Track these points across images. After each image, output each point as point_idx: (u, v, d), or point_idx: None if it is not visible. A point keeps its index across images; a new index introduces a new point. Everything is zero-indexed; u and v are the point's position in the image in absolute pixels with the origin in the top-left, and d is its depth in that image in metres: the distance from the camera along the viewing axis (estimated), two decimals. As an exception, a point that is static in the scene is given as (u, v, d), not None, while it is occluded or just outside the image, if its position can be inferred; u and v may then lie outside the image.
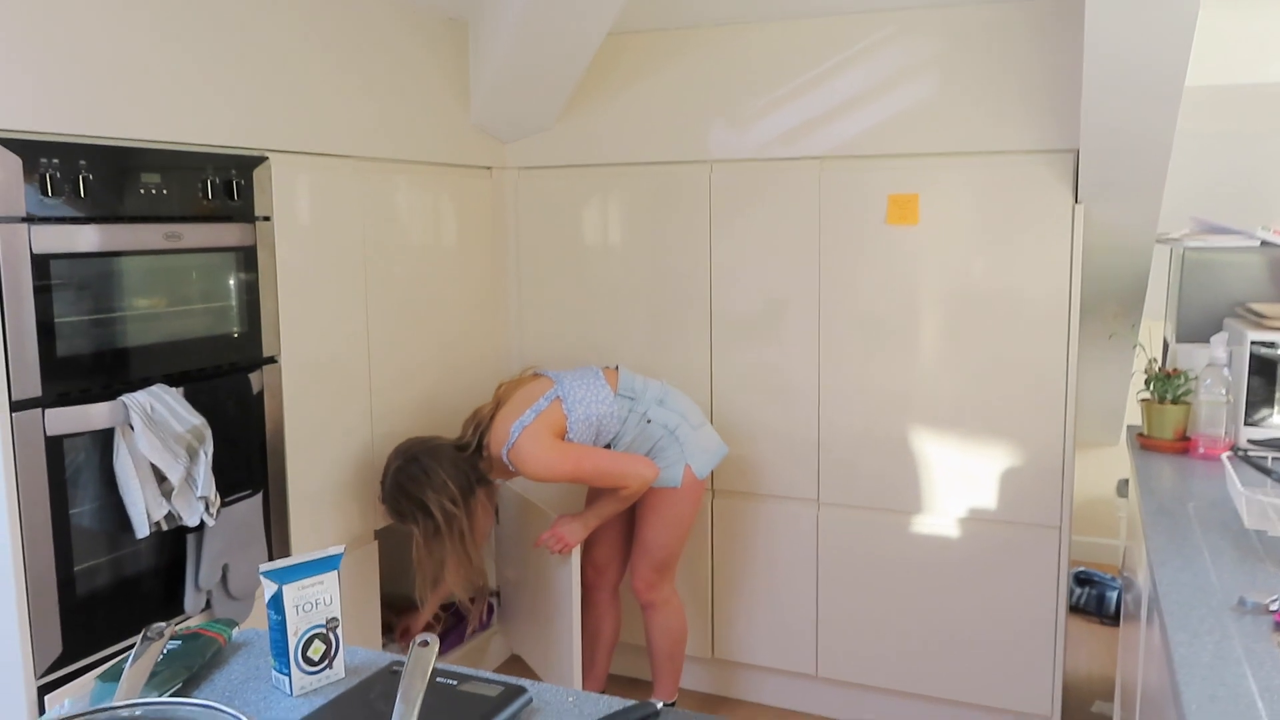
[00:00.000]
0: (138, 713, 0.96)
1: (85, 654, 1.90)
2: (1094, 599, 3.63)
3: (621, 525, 2.79)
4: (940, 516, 2.77)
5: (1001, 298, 2.64)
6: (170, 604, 2.09)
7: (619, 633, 2.90)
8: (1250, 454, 2.00)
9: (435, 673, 1.19)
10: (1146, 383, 2.38)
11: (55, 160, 1.79)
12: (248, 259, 2.22)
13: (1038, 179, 2.57)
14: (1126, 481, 3.66)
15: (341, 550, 1.27)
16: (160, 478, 1.95)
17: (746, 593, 3.01)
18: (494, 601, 3.16)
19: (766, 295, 2.88)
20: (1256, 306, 2.34)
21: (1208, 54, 3.16)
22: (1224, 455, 1.86)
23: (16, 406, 1.75)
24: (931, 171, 2.67)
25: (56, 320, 1.81)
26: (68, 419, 1.83)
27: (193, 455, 2.00)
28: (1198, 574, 1.52)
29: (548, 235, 3.14)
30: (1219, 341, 2.21)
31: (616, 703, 1.16)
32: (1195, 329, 2.51)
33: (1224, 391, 2.18)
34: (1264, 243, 2.49)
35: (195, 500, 2.00)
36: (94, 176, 1.87)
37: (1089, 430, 3.90)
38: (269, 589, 1.20)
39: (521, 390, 2.59)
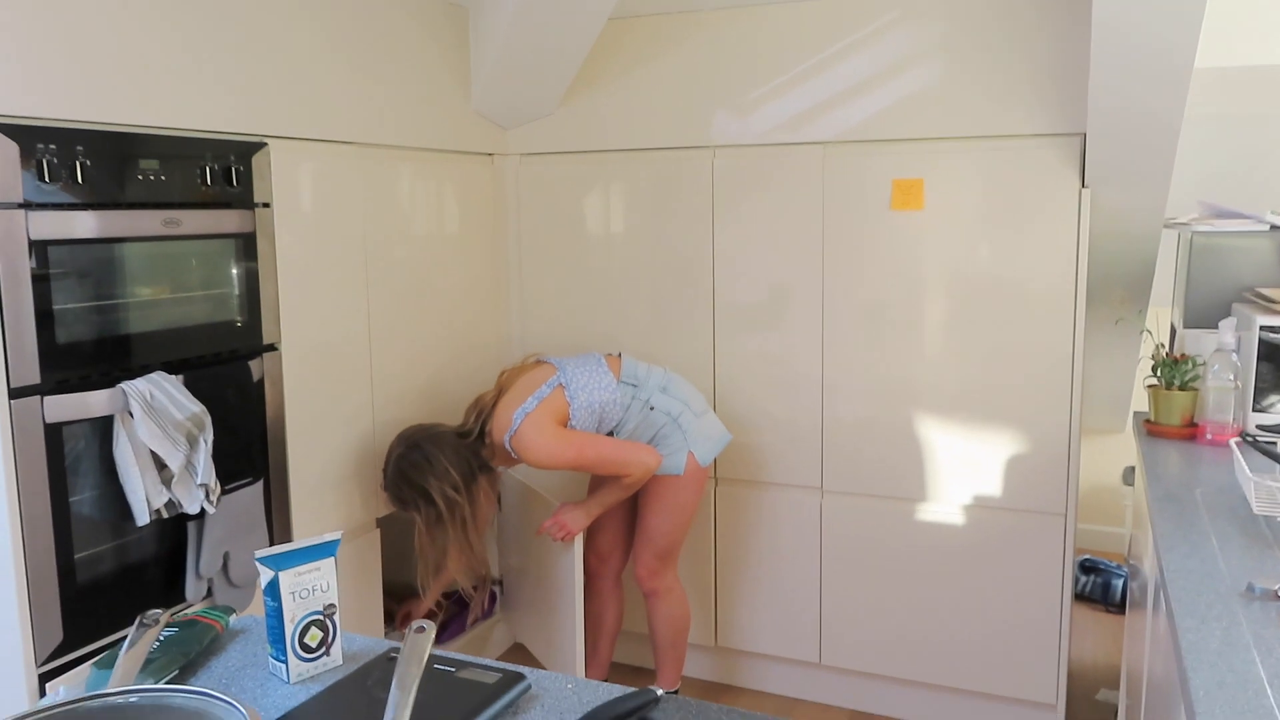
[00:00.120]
0: (132, 699, 0.94)
1: (86, 642, 1.90)
2: (1099, 587, 3.62)
3: (624, 513, 2.78)
4: (944, 504, 2.75)
5: (1007, 283, 2.62)
6: (171, 592, 2.08)
7: (622, 621, 2.90)
8: (1259, 439, 1.98)
9: (433, 659, 1.18)
10: (1154, 369, 2.36)
11: (52, 146, 1.78)
12: (247, 246, 2.21)
13: (1044, 163, 2.54)
14: (1132, 469, 3.65)
15: (338, 536, 1.26)
16: (160, 465, 1.94)
17: (750, 581, 3.00)
18: (497, 590, 3.15)
19: (770, 281, 2.86)
20: (1266, 291, 2.32)
21: (1217, 35, 3.13)
22: (1232, 441, 1.84)
23: (15, 394, 1.74)
24: (936, 156, 2.65)
25: (55, 307, 1.80)
26: (67, 406, 1.82)
27: (193, 443, 1.99)
28: (1205, 560, 1.50)
29: (549, 222, 3.12)
30: (1227, 327, 2.19)
31: (616, 690, 1.15)
32: (1203, 314, 2.48)
33: (1232, 377, 2.16)
34: (1273, 227, 2.46)
35: (195, 488, 2.00)
36: (92, 162, 1.85)
37: (1095, 417, 3.88)
38: (265, 575, 1.19)
39: (524, 377, 2.57)
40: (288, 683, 1.20)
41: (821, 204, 2.77)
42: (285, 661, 1.19)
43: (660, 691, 1.11)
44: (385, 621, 2.79)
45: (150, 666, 1.17)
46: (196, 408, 2.00)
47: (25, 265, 1.75)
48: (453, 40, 2.87)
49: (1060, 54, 2.50)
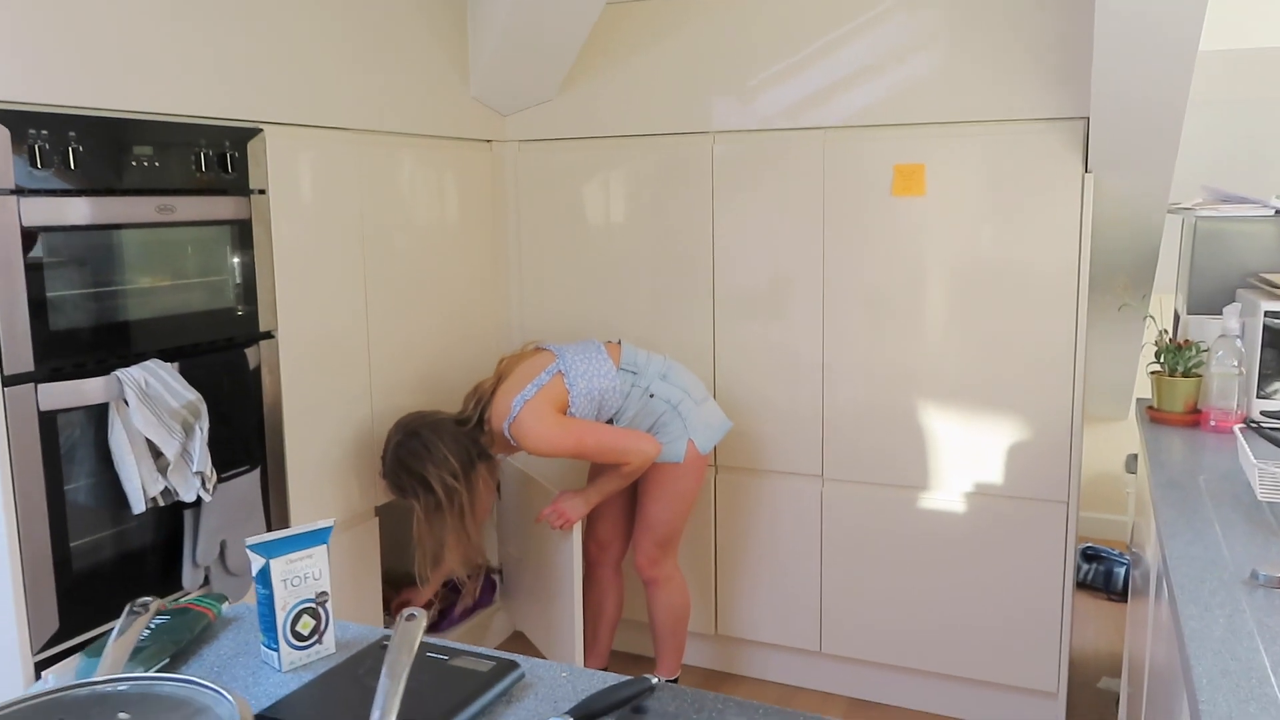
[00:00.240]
0: (119, 688, 0.93)
1: (82, 630, 1.89)
2: (1101, 575, 3.61)
3: (624, 501, 2.77)
4: (946, 492, 2.74)
5: (1009, 269, 2.60)
6: (168, 580, 2.08)
7: (622, 609, 2.89)
8: (1263, 425, 1.96)
9: (426, 648, 1.17)
10: (1157, 355, 2.34)
11: (44, 131, 1.77)
12: (243, 233, 2.19)
13: (1047, 148, 2.52)
14: (1135, 457, 3.63)
15: (331, 524, 1.24)
16: (156, 453, 1.93)
17: (750, 569, 2.99)
18: (496, 578, 3.14)
19: (770, 268, 2.84)
20: (1270, 277, 2.30)
21: (1222, 18, 3.09)
22: (1236, 427, 1.82)
23: (9, 381, 1.73)
24: (938, 141, 2.62)
25: (49, 294, 1.79)
26: (61, 394, 1.81)
27: (188, 431, 1.98)
28: (1209, 547, 1.49)
29: (548, 208, 3.10)
30: (1232, 312, 2.17)
31: (611, 678, 1.13)
32: (1207, 300, 2.46)
33: (1236, 363, 2.14)
34: (1277, 212, 2.44)
35: (191, 476, 1.98)
36: (84, 148, 1.84)
37: (1097, 405, 3.86)
38: (256, 563, 1.18)
39: (523, 364, 2.56)
40: (280, 671, 1.19)
41: (822, 190, 2.75)
42: (277, 649, 1.18)
43: (656, 679, 1.09)
44: (384, 610, 2.78)
45: (141, 654, 1.16)
46: (192, 395, 1.99)
47: (18, 252, 1.73)
48: (451, 26, 2.84)
49: (1063, 37, 2.48)
